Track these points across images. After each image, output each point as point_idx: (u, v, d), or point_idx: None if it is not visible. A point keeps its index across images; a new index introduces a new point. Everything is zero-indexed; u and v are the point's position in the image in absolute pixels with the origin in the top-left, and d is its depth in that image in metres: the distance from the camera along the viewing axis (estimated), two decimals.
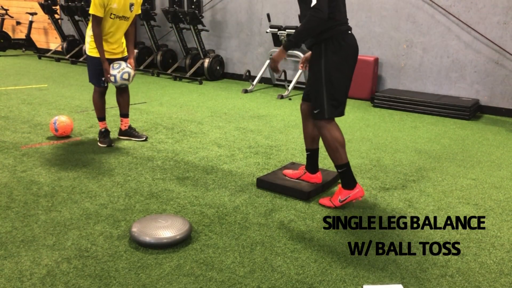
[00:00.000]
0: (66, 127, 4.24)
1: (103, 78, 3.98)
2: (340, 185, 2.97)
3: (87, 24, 9.12)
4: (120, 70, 3.88)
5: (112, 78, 3.88)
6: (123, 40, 4.09)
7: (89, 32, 3.92)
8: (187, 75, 7.89)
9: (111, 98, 4.19)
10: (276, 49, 7.30)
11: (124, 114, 4.29)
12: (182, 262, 2.26)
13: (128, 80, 3.95)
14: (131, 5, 3.90)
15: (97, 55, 3.90)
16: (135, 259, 2.27)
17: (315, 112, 2.89)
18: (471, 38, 6.15)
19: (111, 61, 3.97)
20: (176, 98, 6.35)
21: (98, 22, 3.77)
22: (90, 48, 3.92)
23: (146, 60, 8.77)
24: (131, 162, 3.68)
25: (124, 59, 4.09)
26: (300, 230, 2.64)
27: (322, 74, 2.79)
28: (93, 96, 4.10)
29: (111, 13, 3.80)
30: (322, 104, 2.85)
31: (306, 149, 3.21)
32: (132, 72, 3.96)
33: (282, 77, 7.56)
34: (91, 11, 3.74)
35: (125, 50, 4.11)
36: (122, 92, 4.23)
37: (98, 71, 3.95)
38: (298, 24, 3.44)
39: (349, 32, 2.85)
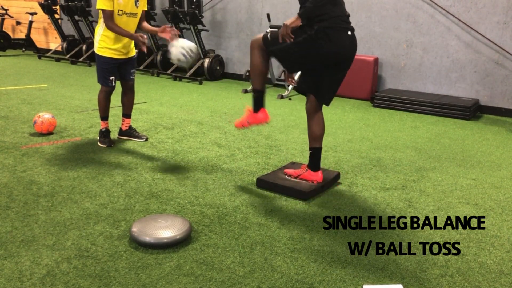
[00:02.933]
0: (49, 124, 4.29)
1: (111, 78, 3.97)
2: (251, 109, 3.25)
3: (87, 24, 9.19)
4: (179, 47, 3.42)
5: (182, 57, 3.45)
6: (132, 41, 4.07)
7: (98, 31, 3.89)
8: (187, 75, 7.89)
9: (113, 98, 4.19)
10: None
11: (126, 114, 4.29)
12: (182, 262, 2.27)
13: (191, 54, 3.46)
14: (136, 0, 3.88)
15: (105, 54, 3.88)
16: (135, 259, 2.27)
17: (265, 34, 3.04)
18: (471, 38, 6.15)
19: (118, 61, 3.94)
20: (176, 98, 6.35)
21: (109, 16, 3.74)
22: (98, 47, 3.90)
23: (146, 60, 8.77)
24: (131, 162, 3.68)
25: (132, 59, 4.07)
26: (300, 230, 2.64)
27: (295, 39, 2.86)
28: (99, 95, 4.08)
29: (119, 9, 3.78)
30: (278, 42, 2.95)
31: (309, 147, 3.22)
32: (187, 54, 3.43)
33: (282, 77, 7.56)
34: (99, 6, 3.71)
35: (133, 50, 4.09)
36: (128, 92, 4.22)
37: (105, 70, 3.93)
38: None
39: (349, 32, 2.88)
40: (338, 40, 2.86)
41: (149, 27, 4.05)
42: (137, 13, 3.93)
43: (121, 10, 3.80)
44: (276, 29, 3.06)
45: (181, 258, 2.30)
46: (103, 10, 3.73)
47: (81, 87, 6.83)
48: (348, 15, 2.95)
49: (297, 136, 4.62)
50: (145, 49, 3.82)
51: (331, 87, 3.09)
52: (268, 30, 3.08)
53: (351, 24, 2.97)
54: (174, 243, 2.39)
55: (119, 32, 3.76)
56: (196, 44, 7.88)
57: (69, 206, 2.84)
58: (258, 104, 3.23)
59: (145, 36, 3.77)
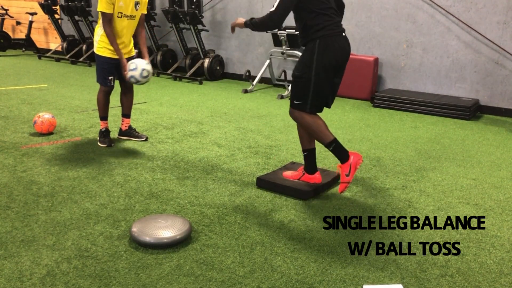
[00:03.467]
0: (49, 124, 4.29)
1: (110, 78, 3.98)
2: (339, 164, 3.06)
3: (87, 24, 9.19)
4: (139, 69, 3.76)
5: (133, 80, 3.81)
6: (131, 41, 4.07)
7: (98, 31, 3.90)
8: (187, 75, 7.89)
9: (113, 98, 4.19)
10: (276, 49, 7.30)
11: (126, 114, 4.29)
12: (182, 262, 2.27)
13: (148, 76, 3.82)
14: (137, 3, 3.89)
15: (104, 54, 3.89)
16: (135, 259, 2.27)
17: (296, 102, 3.00)
18: (471, 38, 6.15)
19: (117, 61, 3.94)
20: (176, 98, 6.35)
21: (108, 20, 3.76)
22: (98, 47, 3.92)
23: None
24: (131, 162, 3.68)
25: (132, 58, 4.08)
26: (300, 230, 2.64)
27: (312, 69, 2.88)
28: (98, 95, 4.09)
29: (119, 12, 3.79)
30: (306, 98, 2.95)
31: (303, 149, 3.21)
32: (149, 67, 3.81)
33: (282, 77, 7.55)
34: (100, 8, 3.73)
35: (132, 50, 4.09)
36: (127, 92, 4.22)
37: (104, 70, 3.94)
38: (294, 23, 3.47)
39: (343, 34, 2.94)
40: (339, 46, 2.92)
41: (144, 45, 4.07)
42: (136, 16, 3.94)
43: (121, 13, 3.81)
44: (291, 89, 3.08)
45: (181, 258, 2.30)
46: (103, 13, 3.74)
47: (81, 87, 6.83)
48: (338, 14, 2.99)
49: (297, 136, 4.61)
50: (125, 76, 3.88)
51: (334, 91, 3.10)
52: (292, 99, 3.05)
53: (343, 26, 3.03)
54: (174, 243, 2.39)
55: (111, 41, 3.80)
56: (196, 44, 7.89)
57: (69, 206, 2.84)
58: (342, 150, 3.03)
59: (131, 79, 3.82)
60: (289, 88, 6.98)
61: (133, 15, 3.89)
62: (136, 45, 4.16)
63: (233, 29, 3.17)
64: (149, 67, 3.81)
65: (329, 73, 2.92)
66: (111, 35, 3.79)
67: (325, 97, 3.03)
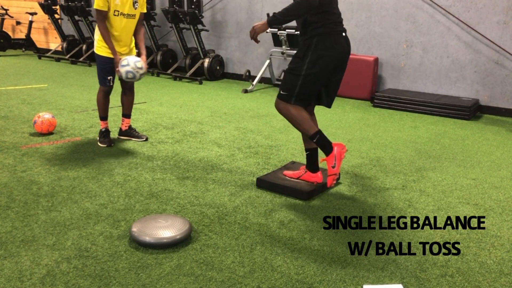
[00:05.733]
0: (49, 124, 4.30)
1: (109, 77, 3.98)
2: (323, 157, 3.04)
3: (87, 24, 9.18)
4: (131, 64, 3.76)
5: (130, 75, 3.81)
6: (132, 40, 4.07)
7: (97, 30, 3.90)
8: (187, 75, 7.89)
9: (113, 97, 4.19)
10: (276, 49, 7.30)
11: (126, 114, 4.29)
12: (182, 262, 2.27)
13: (133, 78, 3.83)
14: (135, 2, 3.88)
15: (103, 53, 3.89)
16: (135, 259, 2.27)
17: (282, 93, 2.97)
18: (471, 38, 6.15)
19: None
20: (176, 98, 6.35)
21: (103, 17, 3.76)
22: (97, 46, 3.92)
23: (146, 60, 8.76)
24: (131, 162, 3.68)
25: None
26: (300, 230, 2.64)
27: (305, 64, 2.87)
28: (98, 95, 4.08)
29: (115, 10, 3.78)
30: (293, 90, 2.93)
31: (305, 149, 3.22)
32: (136, 72, 3.79)
33: (282, 77, 7.55)
34: (95, 5, 3.72)
35: (133, 50, 4.09)
36: (127, 92, 4.22)
37: (103, 70, 3.94)
38: (295, 23, 3.49)
39: (343, 34, 2.93)
40: (337, 45, 2.90)
41: (142, 41, 4.06)
42: (135, 15, 3.93)
43: (117, 11, 3.80)
44: (282, 79, 3.04)
45: (181, 258, 2.30)
46: (97, 10, 3.74)
47: (81, 87, 6.83)
48: (339, 14, 2.97)
49: (297, 136, 4.61)
50: (118, 74, 3.87)
51: (333, 90, 3.10)
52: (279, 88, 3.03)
53: (344, 26, 3.02)
54: (174, 243, 2.39)
55: (105, 38, 3.80)
56: (196, 44, 7.89)
57: (69, 206, 2.84)
58: (326, 142, 2.99)
59: (117, 72, 3.83)
60: None
61: (131, 13, 3.89)
62: (136, 45, 4.15)
63: (256, 39, 2.94)
64: (136, 71, 3.78)
65: (324, 71, 2.89)
66: (105, 32, 3.79)
67: (313, 92, 2.98)
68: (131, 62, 3.76)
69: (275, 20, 2.81)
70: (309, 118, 2.98)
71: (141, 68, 3.79)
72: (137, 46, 4.12)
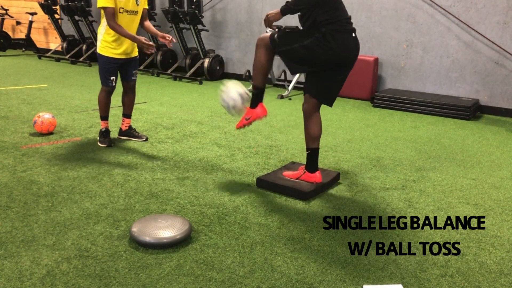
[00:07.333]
0: (49, 124, 4.29)
1: (112, 78, 3.96)
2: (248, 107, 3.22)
3: (87, 24, 9.18)
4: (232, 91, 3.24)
5: (153, 50, 3.79)
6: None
7: (101, 31, 3.88)
8: (187, 75, 7.89)
9: (113, 97, 4.19)
10: None
11: (126, 114, 4.29)
12: (182, 262, 2.27)
13: (224, 107, 3.27)
14: None
15: (106, 53, 3.87)
16: (135, 259, 2.27)
17: (273, 34, 3.05)
18: (471, 38, 6.15)
19: (119, 61, 3.94)
20: (176, 98, 6.35)
21: (111, 14, 3.71)
22: (100, 46, 3.90)
23: (146, 60, 8.77)
24: (131, 162, 3.68)
25: (134, 60, 4.07)
26: (300, 230, 2.64)
27: (303, 41, 2.93)
28: (99, 95, 4.07)
29: (120, 7, 3.76)
30: (286, 43, 2.99)
31: (307, 148, 3.21)
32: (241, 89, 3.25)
33: (282, 77, 7.55)
34: (100, 4, 3.68)
35: (135, 50, 4.08)
36: (129, 92, 4.22)
37: (106, 70, 3.93)
38: (298, 24, 3.50)
39: (353, 34, 2.92)
40: (344, 43, 2.90)
41: (152, 28, 4.06)
42: (137, 11, 3.92)
43: (122, 8, 3.78)
44: (282, 29, 3.08)
45: (181, 258, 2.30)
46: (104, 8, 3.69)
47: (81, 87, 6.83)
48: (350, 17, 2.98)
49: (297, 136, 4.61)
50: (152, 51, 3.82)
51: (335, 88, 3.10)
52: (268, 30, 3.10)
53: (353, 25, 2.99)
54: (174, 243, 2.39)
55: (121, 33, 3.74)
56: (196, 44, 7.89)
57: (69, 206, 2.84)
58: (257, 100, 3.23)
59: (150, 42, 3.76)
60: (289, 87, 6.98)
61: (134, 10, 3.87)
62: (152, 38, 4.08)
63: (272, 27, 3.09)
64: (236, 93, 3.18)
65: (321, 56, 2.91)
66: (119, 27, 3.73)
67: (296, 61, 3.04)
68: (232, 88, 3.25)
69: (288, 9, 2.89)
70: (264, 70, 3.16)
71: (235, 100, 3.15)
72: (151, 38, 4.05)
